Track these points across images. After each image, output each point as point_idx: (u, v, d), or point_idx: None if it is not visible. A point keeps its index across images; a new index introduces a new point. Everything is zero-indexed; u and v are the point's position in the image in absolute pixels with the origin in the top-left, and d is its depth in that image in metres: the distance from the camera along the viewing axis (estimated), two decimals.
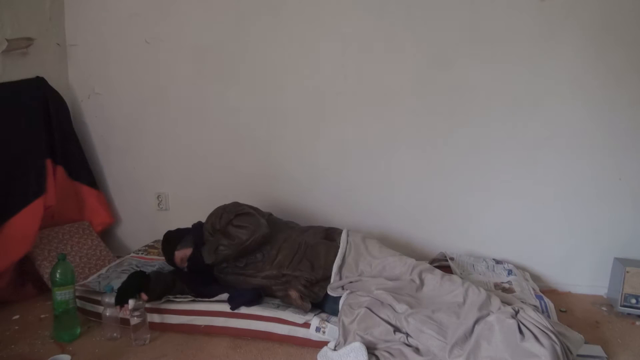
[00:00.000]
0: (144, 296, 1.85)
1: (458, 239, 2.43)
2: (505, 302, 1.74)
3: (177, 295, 1.95)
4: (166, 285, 1.95)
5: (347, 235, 2.06)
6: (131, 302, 1.79)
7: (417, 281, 1.81)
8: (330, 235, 2.11)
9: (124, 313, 1.84)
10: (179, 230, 2.14)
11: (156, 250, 2.44)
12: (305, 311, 1.86)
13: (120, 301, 1.83)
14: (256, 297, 1.92)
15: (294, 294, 1.89)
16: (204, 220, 2.14)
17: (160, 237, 2.57)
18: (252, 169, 2.58)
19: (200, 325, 1.88)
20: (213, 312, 1.88)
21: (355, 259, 1.97)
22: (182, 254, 2.05)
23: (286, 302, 1.93)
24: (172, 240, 2.11)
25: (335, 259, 1.97)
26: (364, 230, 2.36)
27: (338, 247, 2.01)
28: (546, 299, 1.97)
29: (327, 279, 1.94)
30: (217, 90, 2.54)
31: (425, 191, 2.43)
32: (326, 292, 1.91)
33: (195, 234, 2.09)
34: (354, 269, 1.95)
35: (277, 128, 2.52)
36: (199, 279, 2.04)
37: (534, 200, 2.32)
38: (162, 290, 1.93)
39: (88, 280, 2.12)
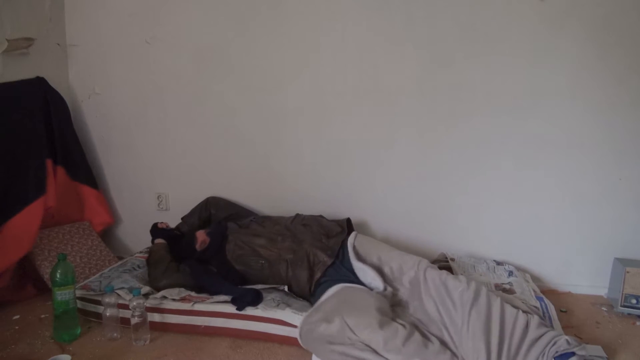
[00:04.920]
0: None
1: (458, 239, 2.43)
2: (507, 302, 1.74)
3: (187, 291, 1.98)
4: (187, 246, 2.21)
5: (355, 237, 2.10)
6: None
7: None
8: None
9: None
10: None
11: None
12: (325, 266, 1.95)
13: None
14: (258, 296, 1.92)
15: (315, 250, 2.00)
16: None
17: None
18: (252, 169, 2.58)
19: (200, 326, 1.88)
20: (213, 312, 1.88)
21: (368, 246, 2.05)
22: (203, 230, 2.26)
23: (295, 274, 1.98)
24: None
25: (343, 236, 2.10)
26: (364, 230, 2.37)
27: (340, 230, 2.15)
28: (547, 300, 1.97)
29: (340, 234, 2.08)
30: (217, 90, 2.54)
31: (426, 191, 2.43)
32: (330, 264, 1.97)
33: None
34: (372, 251, 2.02)
35: (277, 128, 2.52)
36: (204, 269, 2.08)
37: (534, 200, 2.32)
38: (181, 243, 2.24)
39: (89, 280, 2.12)
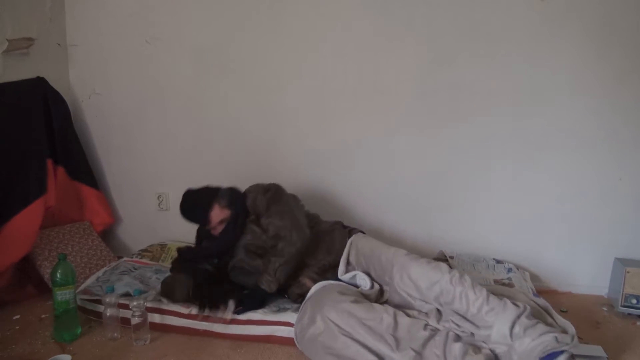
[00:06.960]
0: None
1: (458, 238, 2.43)
2: (507, 296, 1.71)
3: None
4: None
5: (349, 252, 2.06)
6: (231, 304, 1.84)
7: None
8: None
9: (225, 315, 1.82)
10: (207, 190, 2.10)
11: (149, 254, 2.43)
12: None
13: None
14: (260, 302, 1.91)
15: (309, 282, 1.93)
16: None
17: (161, 238, 2.58)
18: (253, 169, 2.58)
19: (199, 329, 1.87)
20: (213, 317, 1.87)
21: (364, 258, 1.99)
22: (223, 214, 2.03)
23: (294, 292, 1.95)
24: (204, 197, 2.07)
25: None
26: (363, 228, 2.37)
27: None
28: (543, 300, 1.97)
29: (337, 265, 2.00)
30: (217, 90, 2.54)
31: (426, 190, 2.43)
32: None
33: (232, 198, 2.07)
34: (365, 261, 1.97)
35: (278, 128, 2.52)
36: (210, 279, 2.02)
37: (534, 200, 2.32)
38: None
39: (88, 285, 2.10)
